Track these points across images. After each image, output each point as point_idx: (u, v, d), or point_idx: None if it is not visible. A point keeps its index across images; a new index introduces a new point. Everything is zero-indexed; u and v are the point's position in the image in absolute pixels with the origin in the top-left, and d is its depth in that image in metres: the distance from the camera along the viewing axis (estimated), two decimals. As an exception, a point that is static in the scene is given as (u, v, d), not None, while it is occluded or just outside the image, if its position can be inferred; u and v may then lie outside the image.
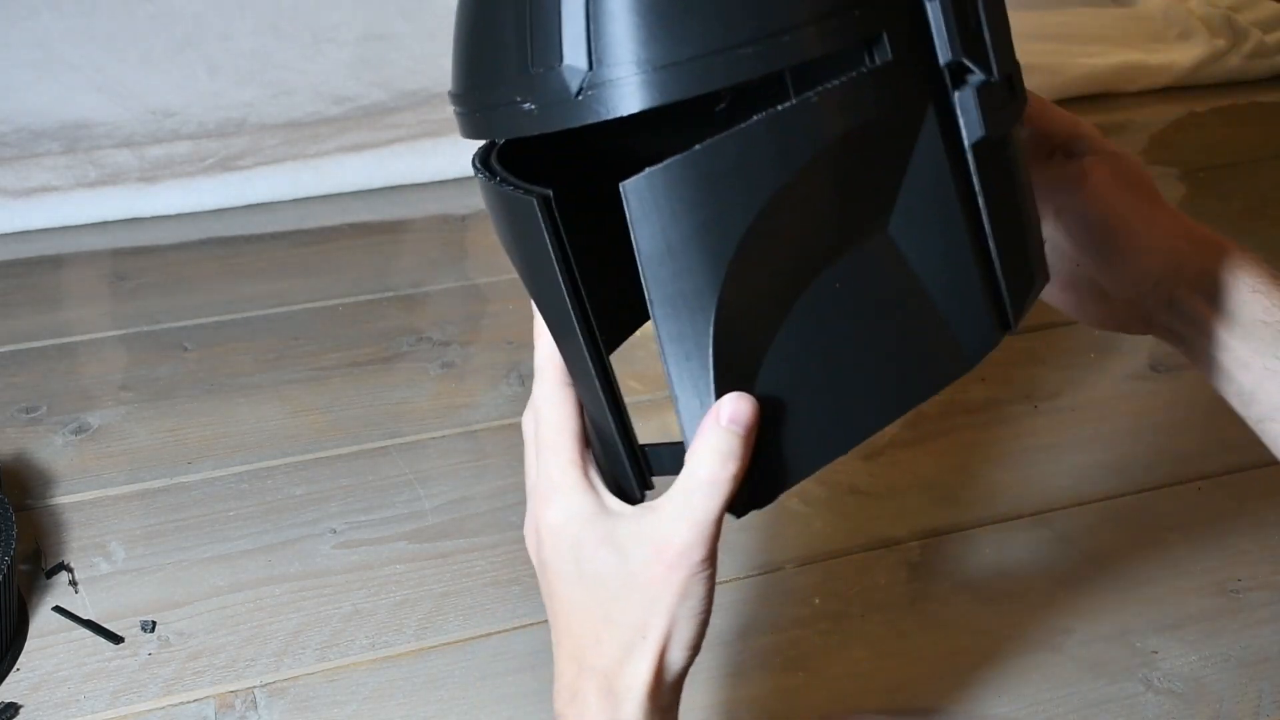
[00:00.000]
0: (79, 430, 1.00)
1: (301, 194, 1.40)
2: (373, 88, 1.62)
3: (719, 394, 0.51)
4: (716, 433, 0.51)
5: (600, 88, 0.50)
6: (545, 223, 0.51)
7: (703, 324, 0.51)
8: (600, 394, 0.53)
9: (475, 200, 1.40)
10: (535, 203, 0.50)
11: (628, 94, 0.50)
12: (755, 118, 0.50)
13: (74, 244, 1.31)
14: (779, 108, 0.50)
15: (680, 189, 0.50)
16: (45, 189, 1.36)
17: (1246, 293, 0.65)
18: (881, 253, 0.55)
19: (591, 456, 0.57)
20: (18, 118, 1.51)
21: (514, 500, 0.92)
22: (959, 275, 0.57)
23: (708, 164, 0.50)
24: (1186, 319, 0.66)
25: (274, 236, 1.33)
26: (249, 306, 1.18)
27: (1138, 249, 0.67)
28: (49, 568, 0.85)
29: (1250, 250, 0.66)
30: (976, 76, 0.55)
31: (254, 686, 0.76)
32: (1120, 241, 0.68)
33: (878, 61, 0.52)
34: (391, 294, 1.21)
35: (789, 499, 0.90)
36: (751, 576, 0.85)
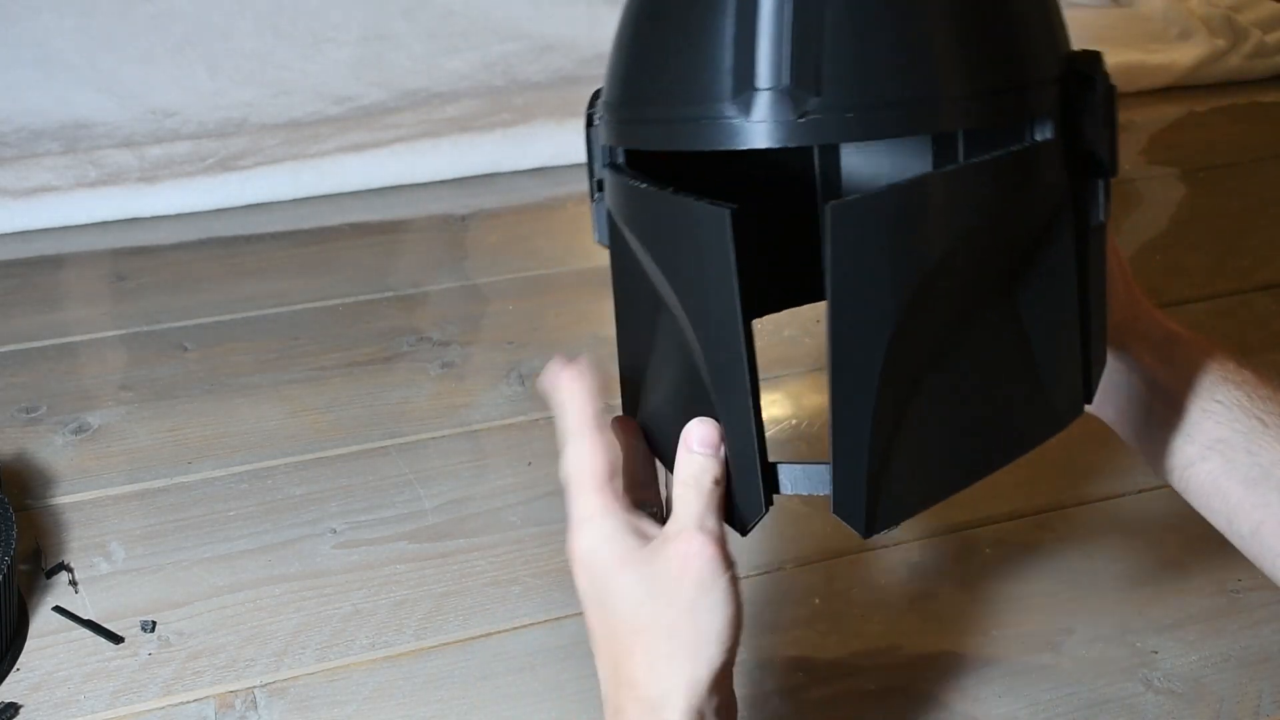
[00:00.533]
0: (79, 430, 1.00)
1: (301, 194, 1.40)
2: (373, 88, 1.62)
3: (877, 420, 0.55)
4: (688, 456, 0.57)
5: (824, 114, 0.53)
6: (731, 237, 0.53)
7: (875, 348, 0.54)
8: (749, 409, 0.56)
9: (475, 200, 1.40)
10: (728, 216, 0.53)
11: (850, 124, 0.53)
12: (965, 163, 0.55)
13: (74, 244, 1.31)
14: (987, 157, 0.55)
15: (885, 216, 0.53)
16: (45, 189, 1.36)
17: (1190, 348, 0.67)
18: (1007, 316, 0.59)
19: (620, 490, 0.60)
20: (18, 118, 1.51)
21: (514, 500, 0.92)
22: (1066, 346, 0.62)
23: (916, 197, 0.54)
24: (1134, 368, 0.68)
25: (274, 236, 1.33)
26: (249, 306, 1.18)
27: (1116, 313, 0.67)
28: (49, 568, 0.85)
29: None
30: (1104, 167, 0.61)
31: (254, 686, 0.76)
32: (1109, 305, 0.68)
33: (1050, 136, 0.57)
34: (391, 294, 1.21)
35: (789, 499, 0.90)
36: (751, 576, 0.85)
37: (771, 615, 0.81)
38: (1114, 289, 0.66)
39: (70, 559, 0.86)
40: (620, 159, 0.62)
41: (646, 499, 0.63)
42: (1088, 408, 0.65)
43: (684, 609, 0.56)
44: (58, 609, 0.82)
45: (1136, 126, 1.60)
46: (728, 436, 0.57)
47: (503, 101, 1.57)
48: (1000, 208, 0.56)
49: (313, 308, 1.18)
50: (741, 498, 0.57)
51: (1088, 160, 0.60)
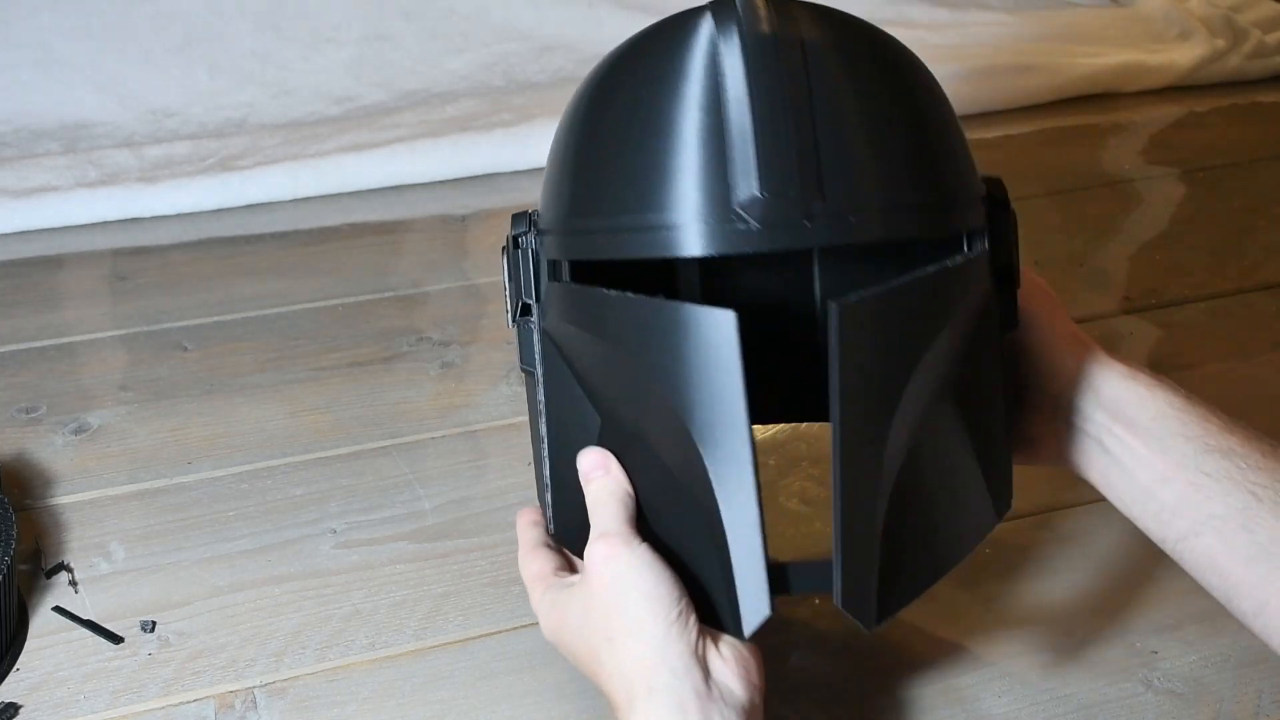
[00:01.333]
0: (79, 430, 1.00)
1: (301, 194, 1.40)
2: (373, 88, 1.62)
3: (879, 515, 0.57)
4: (587, 487, 0.64)
5: (829, 218, 0.56)
6: (738, 339, 0.55)
7: (879, 442, 0.57)
8: (755, 513, 0.57)
9: (475, 200, 1.40)
10: (734, 319, 0.54)
11: (854, 227, 0.57)
12: (945, 264, 0.59)
13: (74, 244, 1.31)
14: (969, 254, 0.63)
15: (885, 312, 0.56)
16: (45, 189, 1.36)
17: (1167, 410, 0.65)
18: (955, 416, 0.63)
19: (546, 567, 0.69)
20: (18, 118, 1.51)
21: (514, 500, 0.92)
22: (998, 443, 0.66)
23: (913, 293, 0.57)
24: (1108, 436, 0.67)
25: (274, 236, 1.33)
26: (249, 306, 1.18)
27: (1050, 376, 0.68)
28: (49, 568, 0.85)
29: (1158, 373, 0.68)
30: (1015, 279, 0.67)
31: (254, 686, 0.76)
32: (1035, 368, 0.69)
33: (985, 248, 0.63)
34: (391, 294, 1.21)
35: (789, 499, 0.90)
36: (751, 576, 0.84)
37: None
38: (1059, 345, 0.68)
39: (70, 559, 0.86)
40: (566, 275, 0.64)
41: None
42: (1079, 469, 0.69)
43: (613, 609, 0.59)
44: (58, 609, 0.82)
45: (1136, 126, 1.60)
46: (730, 540, 0.58)
47: (503, 101, 1.57)
48: (959, 308, 0.60)
49: (313, 308, 1.18)
50: (745, 604, 0.58)
51: (1004, 273, 0.66)
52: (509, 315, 0.69)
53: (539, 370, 0.66)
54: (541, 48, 1.68)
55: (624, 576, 0.60)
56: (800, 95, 0.57)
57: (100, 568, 0.86)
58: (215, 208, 1.38)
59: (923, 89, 0.63)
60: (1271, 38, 1.78)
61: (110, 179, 1.38)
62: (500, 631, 0.81)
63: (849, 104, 0.58)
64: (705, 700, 0.57)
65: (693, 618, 0.60)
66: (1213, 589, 0.65)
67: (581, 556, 0.64)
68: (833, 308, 0.53)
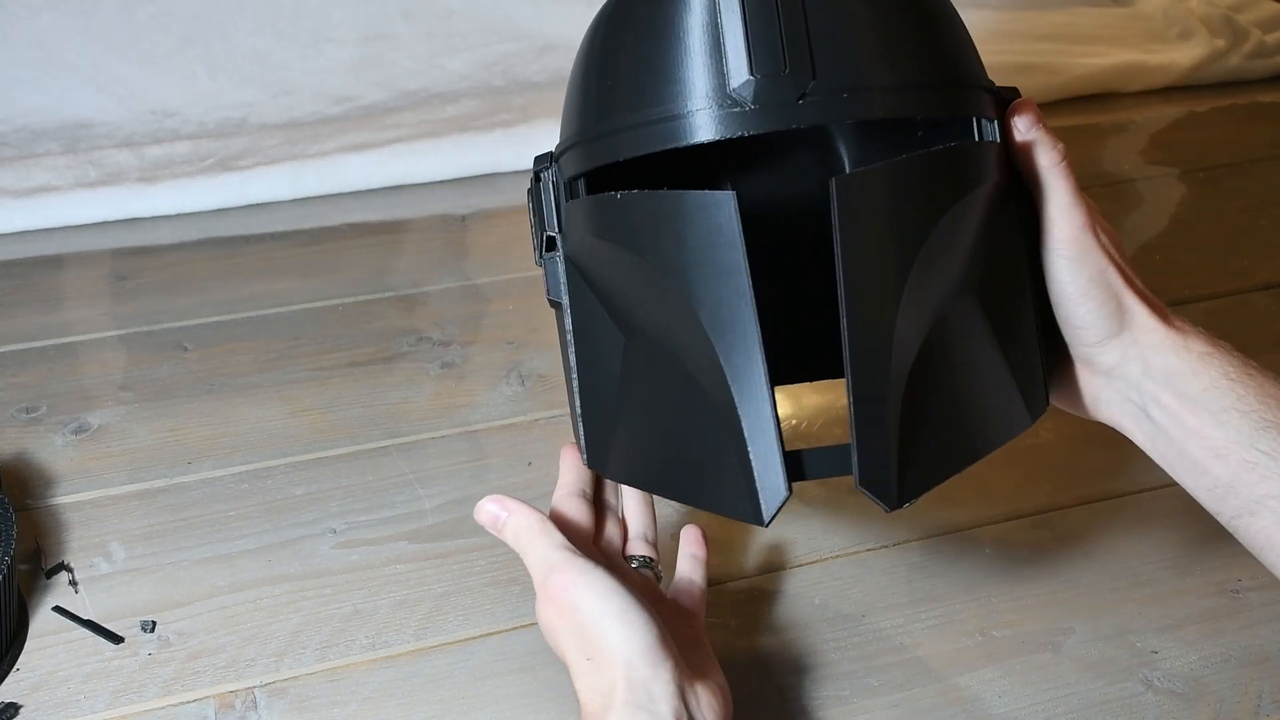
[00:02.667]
0: (79, 430, 1.00)
1: (301, 194, 1.40)
2: (373, 88, 1.61)
3: (894, 392, 0.57)
4: (501, 534, 0.68)
5: (822, 96, 0.57)
6: (738, 218, 0.56)
7: (887, 320, 0.57)
8: (766, 395, 0.57)
9: (475, 200, 1.40)
10: (732, 200, 0.56)
11: (848, 104, 0.58)
12: (946, 146, 0.60)
13: (74, 244, 1.31)
14: (961, 143, 0.62)
15: (886, 186, 0.58)
16: (45, 189, 1.36)
17: (1221, 381, 0.62)
18: (979, 318, 0.63)
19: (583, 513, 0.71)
20: (18, 118, 1.51)
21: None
22: (1027, 344, 0.65)
23: (915, 170, 0.58)
24: (1155, 406, 0.63)
25: (274, 236, 1.33)
26: (249, 306, 1.18)
27: (1085, 327, 0.65)
28: (49, 568, 0.85)
29: (1217, 338, 0.64)
30: None
31: (254, 686, 0.76)
32: (1071, 321, 0.65)
33: (997, 138, 0.64)
34: (391, 294, 1.21)
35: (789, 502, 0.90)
36: (751, 577, 0.85)
37: (771, 615, 0.81)
38: (1094, 294, 0.64)
39: (70, 559, 0.86)
40: (582, 190, 0.65)
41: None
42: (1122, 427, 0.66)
43: (588, 632, 0.61)
44: (58, 609, 0.82)
45: (1136, 126, 1.60)
46: (745, 425, 0.58)
47: (503, 101, 1.57)
48: (969, 193, 0.61)
49: (313, 308, 1.18)
50: (763, 485, 0.58)
51: (1018, 181, 0.65)
52: (536, 253, 0.69)
53: (564, 299, 0.68)
54: (541, 48, 1.68)
55: (590, 603, 0.62)
56: None
57: (100, 568, 0.86)
58: (215, 208, 1.37)
59: None
60: (1271, 38, 1.78)
61: (110, 179, 1.38)
62: (500, 631, 0.81)
63: None
64: None
65: (671, 647, 0.61)
66: (1272, 568, 0.62)
67: (612, 479, 0.70)
68: (833, 182, 0.55)
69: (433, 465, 0.96)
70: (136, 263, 1.27)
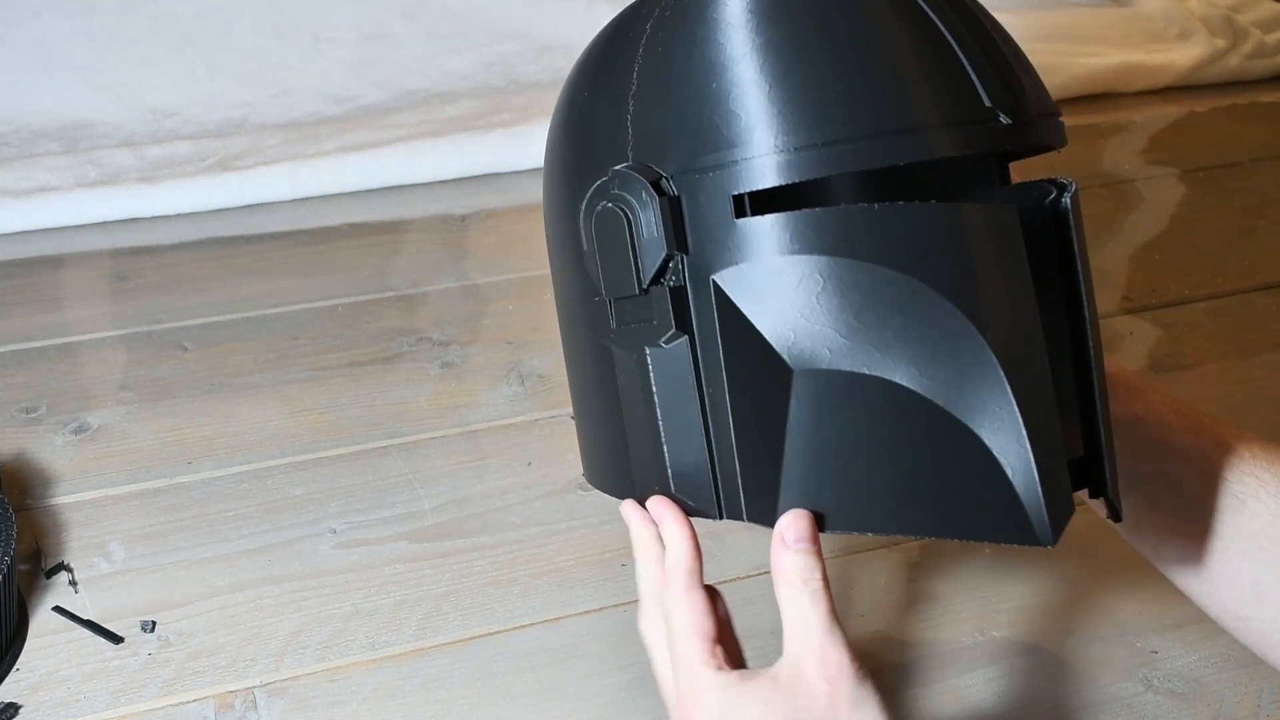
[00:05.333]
0: (79, 430, 1.00)
1: (301, 194, 1.40)
2: (373, 88, 1.62)
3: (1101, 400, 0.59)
4: (787, 555, 0.54)
5: (1042, 118, 0.61)
6: (1020, 236, 0.56)
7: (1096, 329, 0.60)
8: (1051, 406, 0.55)
9: (475, 200, 1.40)
10: (1015, 212, 0.57)
11: (1056, 130, 0.63)
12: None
13: (74, 244, 1.31)
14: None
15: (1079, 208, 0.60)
16: (45, 189, 1.36)
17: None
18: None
19: (721, 650, 0.57)
20: (18, 118, 1.51)
21: (514, 500, 0.92)
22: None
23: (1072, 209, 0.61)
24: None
25: (274, 236, 1.33)
26: (249, 306, 1.18)
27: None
28: (49, 568, 0.85)
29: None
30: None
31: (254, 686, 0.76)
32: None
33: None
34: (391, 294, 1.21)
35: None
36: (752, 577, 0.85)
37: (771, 616, 0.81)
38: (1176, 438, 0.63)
39: (70, 559, 0.86)
40: (748, 208, 0.58)
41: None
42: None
43: (832, 713, 0.51)
44: (58, 609, 0.82)
45: (1136, 126, 1.60)
46: (1028, 435, 0.54)
47: (503, 101, 1.57)
48: None
49: (313, 308, 1.18)
50: (1050, 498, 0.54)
51: None
52: (638, 280, 0.60)
53: (709, 326, 0.59)
54: (541, 47, 1.68)
55: (875, 708, 0.53)
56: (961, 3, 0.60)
57: (100, 568, 0.86)
58: (215, 208, 1.37)
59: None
60: (1271, 38, 1.78)
61: (110, 179, 1.38)
62: (500, 631, 0.81)
63: (983, 16, 0.61)
64: None
65: None
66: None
67: (762, 524, 0.58)
68: (1066, 200, 0.59)
69: (433, 465, 0.96)
70: (136, 263, 1.27)
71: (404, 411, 1.03)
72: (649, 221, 0.59)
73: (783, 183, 0.57)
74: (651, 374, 0.61)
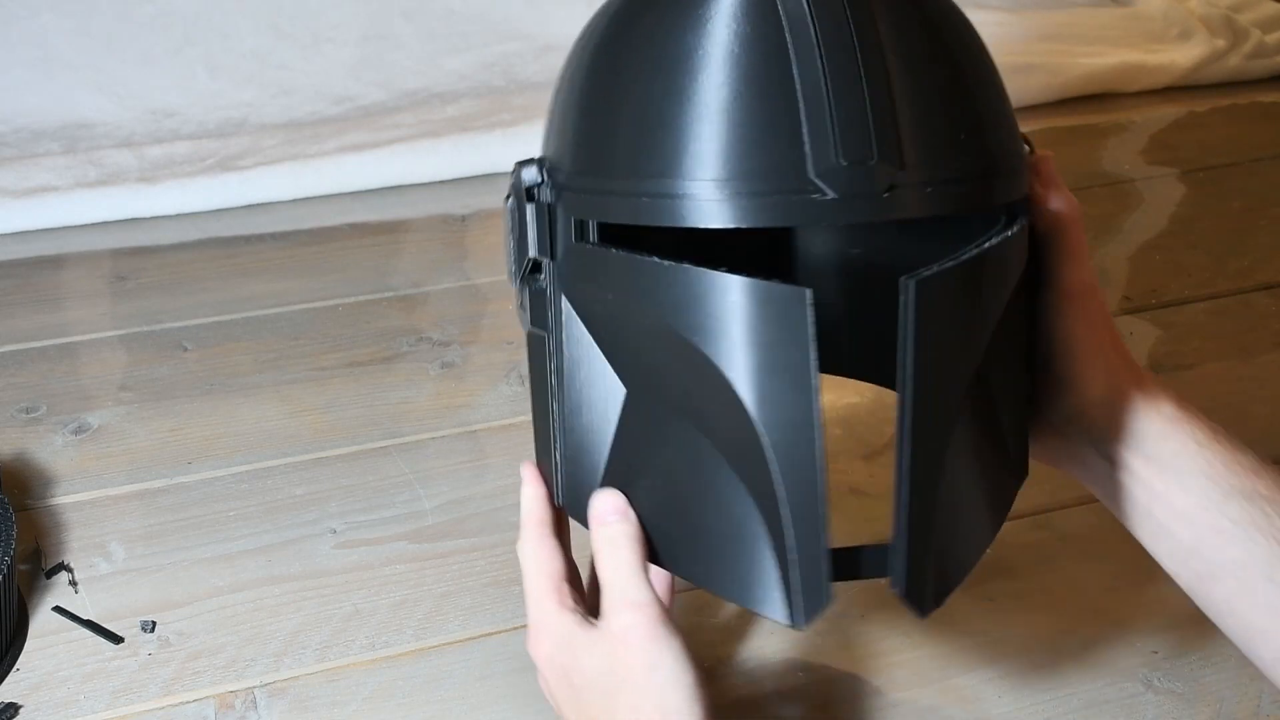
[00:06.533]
0: (79, 430, 1.00)
1: (301, 194, 1.40)
2: (373, 88, 1.62)
3: (940, 498, 0.54)
4: (600, 530, 0.59)
5: (908, 189, 0.52)
6: (812, 319, 0.51)
7: (947, 423, 0.54)
8: (816, 495, 0.53)
9: (475, 200, 1.40)
10: (808, 298, 0.51)
11: (931, 199, 0.53)
12: (1011, 230, 0.56)
13: (74, 244, 1.31)
14: (1021, 222, 0.57)
15: (962, 287, 0.53)
16: (45, 189, 1.36)
17: (1190, 445, 0.61)
18: (983, 387, 0.59)
19: (573, 591, 0.62)
20: (18, 118, 1.51)
21: (514, 500, 0.92)
22: (1020, 411, 0.63)
23: (982, 266, 0.54)
24: (1122, 468, 0.62)
25: (274, 236, 1.33)
26: (249, 306, 1.18)
27: (1069, 390, 0.63)
28: (49, 568, 0.85)
29: (1185, 401, 0.63)
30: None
31: (254, 686, 0.76)
32: (1065, 370, 0.63)
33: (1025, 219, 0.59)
34: (391, 294, 1.21)
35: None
36: (751, 576, 0.84)
37: (771, 615, 0.81)
38: (1085, 359, 0.62)
39: (70, 559, 0.86)
40: (594, 234, 0.59)
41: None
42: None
43: (641, 689, 0.55)
44: (58, 609, 0.82)
45: (1136, 126, 1.60)
46: (789, 521, 0.53)
47: (503, 101, 1.57)
48: (1013, 278, 0.58)
49: (313, 308, 1.18)
50: (807, 585, 0.53)
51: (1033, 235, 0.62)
52: (514, 274, 0.64)
53: (559, 335, 0.62)
54: (541, 48, 1.68)
55: (664, 663, 0.56)
56: (869, 42, 0.53)
57: (100, 568, 0.86)
58: (215, 208, 1.38)
59: (974, 43, 0.59)
60: (1271, 38, 1.78)
61: (110, 179, 1.38)
62: (500, 631, 0.81)
63: (916, 56, 0.54)
64: None
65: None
66: (1230, 632, 0.62)
67: (585, 525, 0.61)
68: (908, 286, 0.50)
69: (433, 465, 0.96)
70: (136, 263, 1.27)
71: (404, 411, 1.03)
72: (528, 222, 0.61)
73: (590, 218, 0.58)
74: (528, 353, 0.67)
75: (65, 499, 0.92)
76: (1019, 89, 1.62)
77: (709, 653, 0.78)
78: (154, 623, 0.81)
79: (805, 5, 0.53)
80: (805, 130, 0.52)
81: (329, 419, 1.02)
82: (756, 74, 0.53)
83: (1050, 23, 1.78)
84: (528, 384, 0.70)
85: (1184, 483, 0.61)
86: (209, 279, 1.24)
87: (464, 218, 1.37)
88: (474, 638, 0.80)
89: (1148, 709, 0.74)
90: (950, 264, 0.52)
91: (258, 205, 1.39)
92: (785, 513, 0.53)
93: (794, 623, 0.54)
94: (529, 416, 0.69)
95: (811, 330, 0.51)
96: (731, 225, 0.53)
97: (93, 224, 1.34)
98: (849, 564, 0.56)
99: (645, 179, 0.55)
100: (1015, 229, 0.56)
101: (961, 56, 0.57)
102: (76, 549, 0.87)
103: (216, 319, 1.16)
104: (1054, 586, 0.84)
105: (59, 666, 0.78)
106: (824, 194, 0.52)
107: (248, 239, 1.32)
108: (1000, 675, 0.77)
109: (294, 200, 1.40)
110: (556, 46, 1.65)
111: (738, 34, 0.53)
